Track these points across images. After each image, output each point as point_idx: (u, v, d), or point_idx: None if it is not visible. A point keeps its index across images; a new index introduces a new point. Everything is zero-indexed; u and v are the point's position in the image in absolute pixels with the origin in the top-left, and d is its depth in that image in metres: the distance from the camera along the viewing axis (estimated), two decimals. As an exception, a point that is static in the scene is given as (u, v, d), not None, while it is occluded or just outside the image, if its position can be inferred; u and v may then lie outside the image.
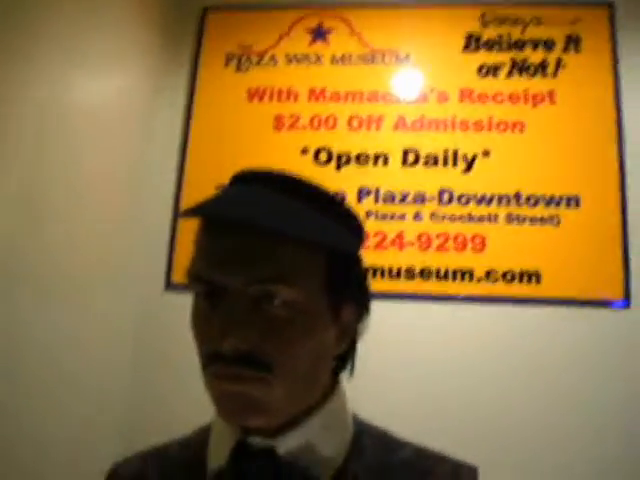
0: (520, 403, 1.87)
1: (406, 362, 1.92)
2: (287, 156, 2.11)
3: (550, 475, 1.80)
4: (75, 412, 1.86)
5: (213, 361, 0.75)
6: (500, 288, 1.96)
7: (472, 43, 2.17)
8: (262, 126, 2.17)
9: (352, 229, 0.85)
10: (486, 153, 2.06)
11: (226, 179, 0.87)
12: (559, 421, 1.84)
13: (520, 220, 2.01)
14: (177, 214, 2.13)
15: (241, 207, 0.75)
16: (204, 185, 1.99)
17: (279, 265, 0.75)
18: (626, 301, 1.90)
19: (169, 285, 2.08)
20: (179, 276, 2.08)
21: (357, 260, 0.85)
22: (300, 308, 0.76)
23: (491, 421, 1.84)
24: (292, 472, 0.78)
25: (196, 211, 0.76)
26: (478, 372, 1.90)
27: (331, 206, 0.82)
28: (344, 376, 0.88)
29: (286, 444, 0.79)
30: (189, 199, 2.08)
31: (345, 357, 0.86)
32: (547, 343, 1.90)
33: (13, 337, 1.71)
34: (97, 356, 1.95)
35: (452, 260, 1.99)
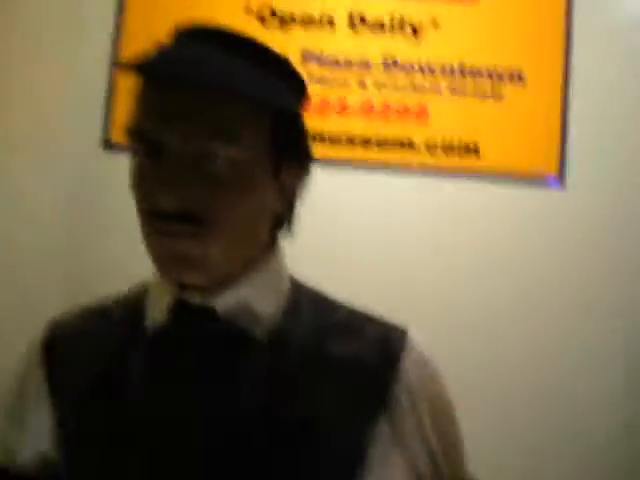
0: (456, 276, 1.93)
1: (342, 229, 1.94)
2: (230, 14, 2.03)
3: (494, 339, 1.88)
4: (14, 278, 1.85)
5: (152, 218, 0.75)
6: (440, 160, 1.97)
7: None
8: (205, -19, 2.07)
9: (295, 88, 0.84)
10: (434, 22, 2.02)
11: (165, 33, 0.84)
12: (497, 294, 1.91)
13: (463, 93, 2.00)
14: (115, 69, 2.04)
15: (184, 64, 0.73)
16: (143, 39, 1.91)
17: (220, 122, 0.74)
18: (560, 178, 1.95)
19: (107, 145, 2.03)
20: (117, 135, 2.02)
21: (300, 119, 0.84)
22: (241, 166, 0.76)
23: (425, 298, 1.90)
24: (230, 331, 0.80)
25: (139, 68, 0.74)
26: (415, 243, 1.93)
27: (275, 64, 0.80)
28: (283, 237, 0.89)
29: (223, 302, 0.81)
30: (127, 54, 2.00)
31: (284, 216, 0.87)
32: (484, 216, 1.94)
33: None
34: (34, 218, 1.92)
35: (394, 129, 1.99)
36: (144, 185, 0.77)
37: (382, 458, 0.81)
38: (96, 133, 2.02)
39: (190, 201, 0.74)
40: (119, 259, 1.87)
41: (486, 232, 1.93)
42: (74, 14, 2.05)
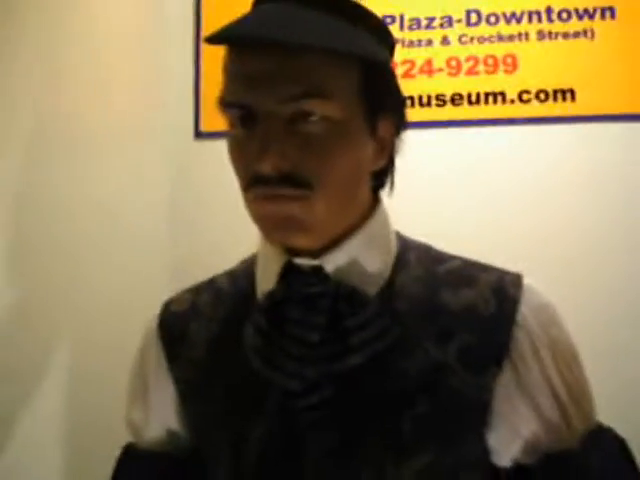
0: (559, 221, 1.87)
1: (443, 190, 1.92)
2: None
3: (589, 285, 1.83)
4: (122, 260, 1.92)
5: (253, 184, 0.75)
6: (534, 109, 1.91)
7: None
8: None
9: (383, 39, 0.82)
10: (513, -32, 1.95)
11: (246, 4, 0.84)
12: (601, 237, 1.85)
13: (552, 36, 1.92)
14: (199, 57, 2.07)
15: (268, 25, 0.73)
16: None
17: (312, 80, 0.73)
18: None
19: (198, 134, 2.07)
20: (208, 124, 2.05)
21: (390, 71, 0.83)
22: (337, 123, 0.75)
23: (532, 243, 1.85)
24: (340, 289, 0.80)
25: (222, 35, 0.74)
26: (516, 195, 1.89)
27: (361, 17, 0.79)
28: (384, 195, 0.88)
29: (332, 262, 0.80)
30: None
31: (384, 174, 0.85)
32: (584, 161, 1.88)
33: (44, 194, 1.75)
34: (134, 206, 1.98)
35: (483, 83, 1.93)
36: (242, 154, 0.77)
37: (507, 408, 0.79)
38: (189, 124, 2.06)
39: (289, 163, 0.73)
40: (217, 242, 1.91)
41: (589, 176, 1.87)
42: (156, 13, 2.10)
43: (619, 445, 0.83)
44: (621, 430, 0.85)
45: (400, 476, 0.77)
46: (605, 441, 0.83)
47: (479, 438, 0.79)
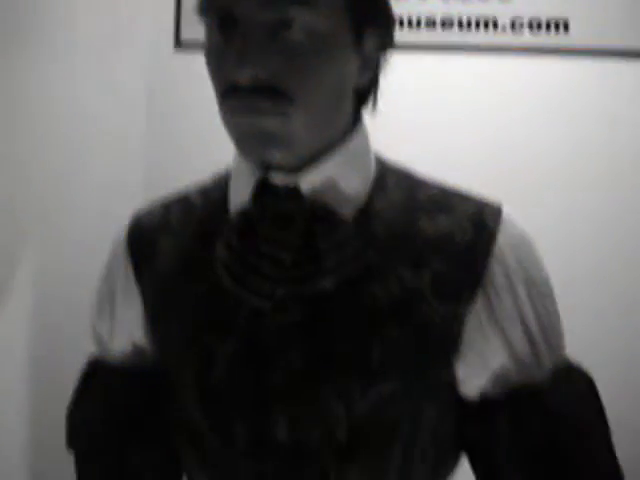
0: (544, 154, 1.85)
1: (428, 115, 1.89)
2: None
3: (570, 213, 1.84)
4: (97, 171, 1.89)
5: (230, 94, 0.72)
6: (526, 38, 1.86)
7: None
8: None
9: None
10: None
11: None
12: (583, 167, 1.84)
13: (549, -37, 1.86)
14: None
15: None
16: None
17: None
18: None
19: (178, 42, 2.00)
20: (188, 32, 1.98)
21: None
22: (320, 34, 0.71)
23: (515, 171, 1.85)
24: (316, 210, 0.77)
25: None
26: (504, 125, 1.86)
27: None
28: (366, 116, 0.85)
29: (309, 181, 0.78)
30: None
31: (367, 92, 0.82)
32: (574, 96, 1.85)
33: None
34: (111, 117, 1.94)
35: (475, 8, 1.87)
36: (219, 62, 0.74)
37: (477, 338, 0.78)
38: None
39: (267, 72, 0.70)
40: (193, 155, 1.88)
41: (579, 110, 1.84)
42: None
43: (587, 384, 0.82)
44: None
45: (366, 401, 0.76)
46: (573, 379, 0.82)
47: (447, 368, 0.79)
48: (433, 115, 1.89)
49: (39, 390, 1.82)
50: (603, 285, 1.82)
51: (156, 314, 0.87)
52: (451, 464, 0.86)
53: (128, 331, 0.90)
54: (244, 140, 0.75)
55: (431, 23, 1.89)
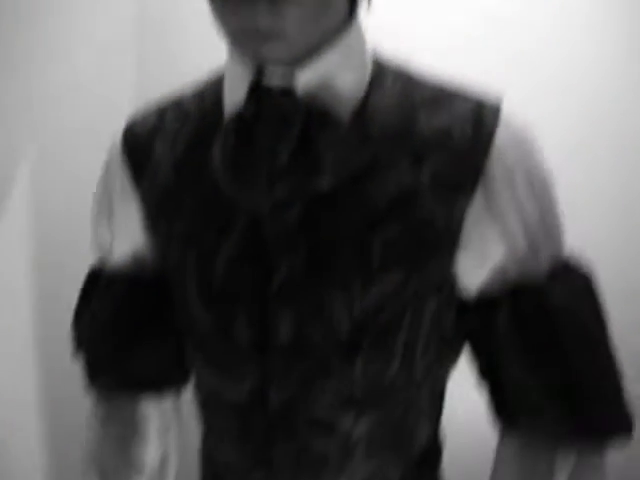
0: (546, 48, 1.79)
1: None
2: None
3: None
4: (88, 70, 1.84)
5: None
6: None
7: None
8: None
9: None
10: None
11: None
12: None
13: None
14: None
15: None
16: None
17: None
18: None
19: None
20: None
21: None
22: None
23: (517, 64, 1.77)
24: (311, 109, 0.76)
25: None
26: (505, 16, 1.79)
27: None
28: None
29: (304, 79, 0.76)
30: None
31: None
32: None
33: None
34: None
35: None
36: None
37: (476, 233, 0.79)
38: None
39: None
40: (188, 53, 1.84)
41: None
42: None
43: (585, 282, 0.82)
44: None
45: (368, 297, 0.77)
46: (572, 276, 0.82)
47: (447, 263, 0.79)
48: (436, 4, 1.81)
49: (43, 301, 1.84)
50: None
51: (155, 220, 0.87)
52: (452, 357, 0.88)
53: (128, 236, 0.90)
54: (239, 38, 0.73)
55: None
